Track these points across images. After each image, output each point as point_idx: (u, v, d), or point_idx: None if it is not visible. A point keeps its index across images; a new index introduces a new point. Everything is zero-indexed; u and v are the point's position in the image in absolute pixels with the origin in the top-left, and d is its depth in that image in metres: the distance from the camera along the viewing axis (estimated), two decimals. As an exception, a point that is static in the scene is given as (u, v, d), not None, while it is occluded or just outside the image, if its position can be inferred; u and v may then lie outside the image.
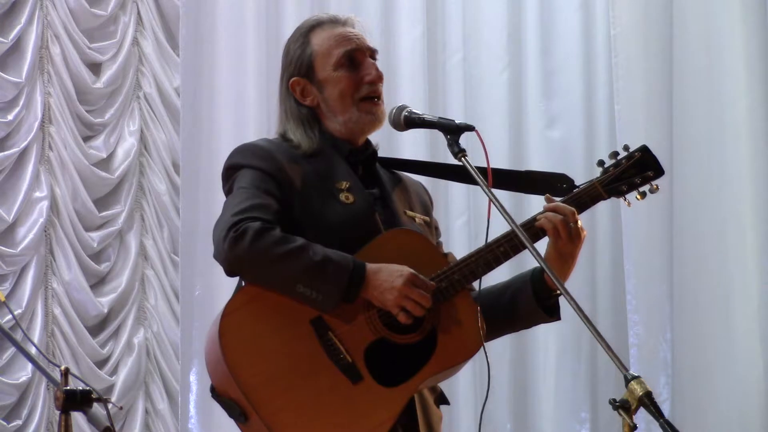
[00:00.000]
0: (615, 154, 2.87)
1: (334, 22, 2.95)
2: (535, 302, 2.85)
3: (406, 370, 2.71)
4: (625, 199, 2.87)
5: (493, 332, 2.86)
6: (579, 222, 2.79)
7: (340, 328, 2.72)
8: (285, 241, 2.70)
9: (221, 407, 2.72)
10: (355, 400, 2.68)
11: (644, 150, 2.88)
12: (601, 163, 2.89)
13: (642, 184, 2.86)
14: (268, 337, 2.71)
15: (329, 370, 2.69)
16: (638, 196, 2.87)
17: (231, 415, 2.70)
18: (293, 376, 2.68)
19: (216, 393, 2.73)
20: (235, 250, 2.69)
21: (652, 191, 2.87)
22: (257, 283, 2.75)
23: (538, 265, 2.81)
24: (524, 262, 3.05)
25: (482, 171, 2.74)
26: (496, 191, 2.68)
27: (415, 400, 2.78)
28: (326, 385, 2.68)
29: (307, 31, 2.95)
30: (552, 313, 2.87)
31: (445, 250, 3.06)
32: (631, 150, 2.87)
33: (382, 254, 2.75)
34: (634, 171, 2.86)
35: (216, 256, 2.75)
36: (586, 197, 2.84)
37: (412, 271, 2.70)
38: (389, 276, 2.69)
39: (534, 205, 2.89)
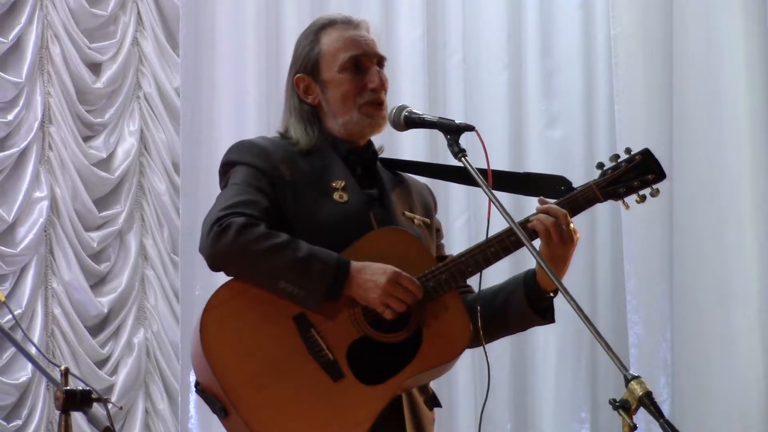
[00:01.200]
0: (616, 156, 2.85)
1: (347, 23, 2.95)
2: (527, 305, 2.84)
3: (390, 369, 2.70)
4: (623, 202, 2.85)
5: (488, 336, 2.82)
6: (572, 225, 2.77)
7: (323, 326, 2.71)
8: (268, 236, 2.70)
9: (205, 402, 2.73)
10: (335, 398, 2.67)
11: (646, 153, 2.85)
12: (600, 165, 2.87)
13: (641, 187, 2.83)
14: (249, 333, 2.70)
15: (310, 367, 2.68)
16: (638, 199, 2.84)
17: (213, 410, 2.71)
18: (274, 373, 2.68)
19: (199, 388, 2.74)
20: (218, 244, 2.70)
21: (652, 195, 2.84)
22: (240, 278, 2.75)
23: (532, 266, 2.81)
24: (522, 261, 3.05)
25: (482, 172, 2.73)
26: (495, 192, 2.68)
27: (403, 400, 2.78)
28: (306, 383, 2.67)
29: (319, 29, 2.95)
30: (545, 316, 2.86)
31: (446, 251, 3.06)
32: (632, 153, 2.85)
33: (369, 252, 2.74)
34: (634, 174, 2.83)
35: (200, 251, 2.77)
36: (581, 199, 2.82)
37: (396, 269, 2.70)
38: (373, 274, 2.69)
39: (534, 205, 2.88)
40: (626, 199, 2.84)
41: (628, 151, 2.86)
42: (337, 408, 2.67)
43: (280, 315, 2.71)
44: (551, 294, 2.84)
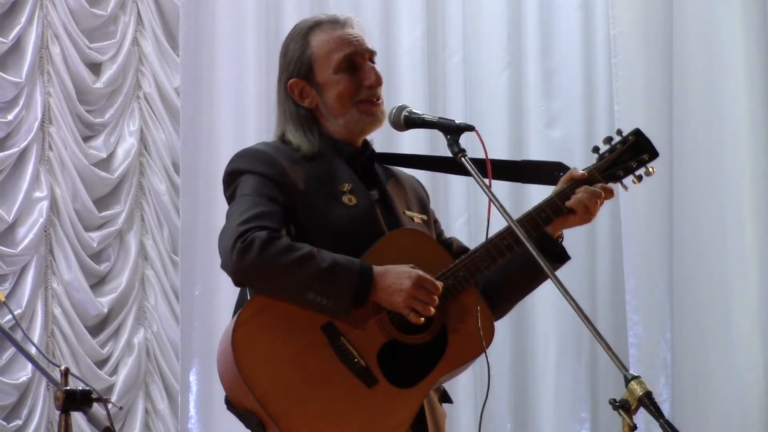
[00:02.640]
0: (609, 139, 2.90)
1: (334, 22, 2.94)
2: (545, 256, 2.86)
3: (420, 371, 2.73)
4: (622, 184, 2.89)
5: (517, 300, 2.95)
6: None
7: (352, 333, 2.72)
8: (292, 249, 2.69)
9: (238, 418, 2.73)
10: (372, 404, 2.69)
11: (637, 133, 2.90)
12: (596, 149, 2.91)
13: (638, 167, 2.88)
14: (281, 346, 2.71)
15: (344, 375, 2.69)
16: (635, 180, 2.89)
17: (248, 425, 2.71)
18: (309, 384, 2.68)
19: (231, 405, 2.73)
20: (244, 261, 2.68)
21: (647, 174, 2.89)
22: (266, 292, 2.74)
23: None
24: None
25: (481, 164, 2.74)
26: (495, 190, 2.68)
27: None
28: (342, 391, 2.69)
29: (306, 31, 2.94)
30: (562, 259, 2.89)
31: (446, 237, 3.07)
32: (624, 134, 2.90)
33: (387, 255, 2.75)
34: (630, 155, 2.88)
35: (224, 267, 2.74)
36: (586, 185, 2.85)
37: (419, 272, 2.71)
38: (397, 278, 2.70)
39: (533, 199, 2.89)
40: (624, 181, 2.89)
41: (619, 132, 2.91)
42: (375, 414, 2.69)
43: (308, 326, 2.71)
44: (560, 237, 2.89)
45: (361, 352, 2.71)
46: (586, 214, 2.82)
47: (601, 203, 2.83)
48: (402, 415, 2.69)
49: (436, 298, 2.70)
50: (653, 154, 2.89)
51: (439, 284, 2.72)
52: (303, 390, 2.67)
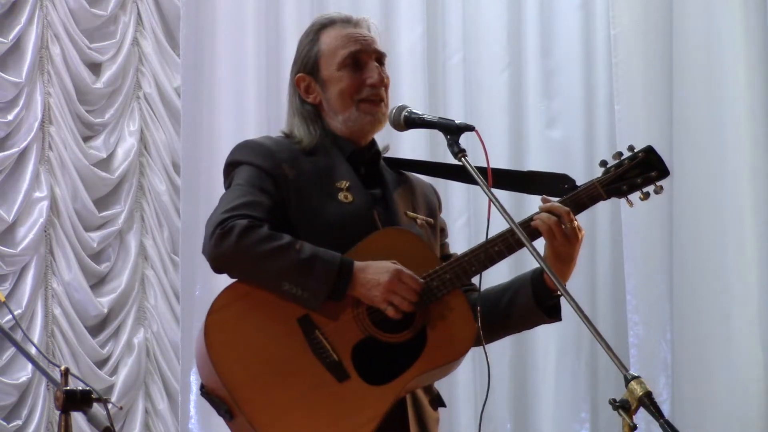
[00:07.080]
0: (619, 154, 2.85)
1: (346, 22, 2.96)
2: (534, 304, 2.83)
3: (395, 369, 2.71)
4: (627, 200, 2.85)
5: (493, 335, 2.85)
6: (575, 222, 2.76)
7: (328, 327, 2.72)
8: (271, 238, 2.70)
9: (210, 405, 2.73)
10: (341, 399, 2.67)
11: (649, 150, 2.85)
12: (603, 163, 2.86)
13: (644, 184, 2.83)
14: (253, 335, 2.71)
15: (315, 368, 2.68)
16: (641, 197, 2.83)
17: (218, 412, 2.71)
18: (278, 375, 2.68)
19: (205, 391, 2.74)
20: (221, 247, 2.70)
21: (656, 192, 2.84)
22: (243, 280, 2.75)
23: (537, 266, 2.79)
24: (524, 261, 3.04)
25: (482, 171, 2.73)
26: (496, 191, 2.68)
27: (407, 400, 2.78)
28: (311, 384, 2.68)
29: (318, 28, 2.96)
30: (552, 315, 2.85)
31: (448, 251, 3.05)
32: (635, 150, 2.85)
33: (372, 252, 2.74)
34: (637, 171, 2.83)
35: (203, 252, 2.76)
36: (585, 197, 2.81)
37: (398, 267, 2.70)
38: (376, 273, 2.69)
39: (535, 205, 2.88)
40: (630, 197, 2.84)
41: (631, 148, 2.86)
42: (342, 409, 2.67)
43: (284, 317, 2.71)
44: (558, 293, 2.81)
45: (335, 347, 2.70)
46: (551, 235, 2.74)
47: (563, 224, 2.73)
48: (371, 412, 2.67)
49: (415, 293, 2.69)
50: (663, 172, 2.84)
51: (420, 281, 2.71)
52: (271, 379, 2.67)
